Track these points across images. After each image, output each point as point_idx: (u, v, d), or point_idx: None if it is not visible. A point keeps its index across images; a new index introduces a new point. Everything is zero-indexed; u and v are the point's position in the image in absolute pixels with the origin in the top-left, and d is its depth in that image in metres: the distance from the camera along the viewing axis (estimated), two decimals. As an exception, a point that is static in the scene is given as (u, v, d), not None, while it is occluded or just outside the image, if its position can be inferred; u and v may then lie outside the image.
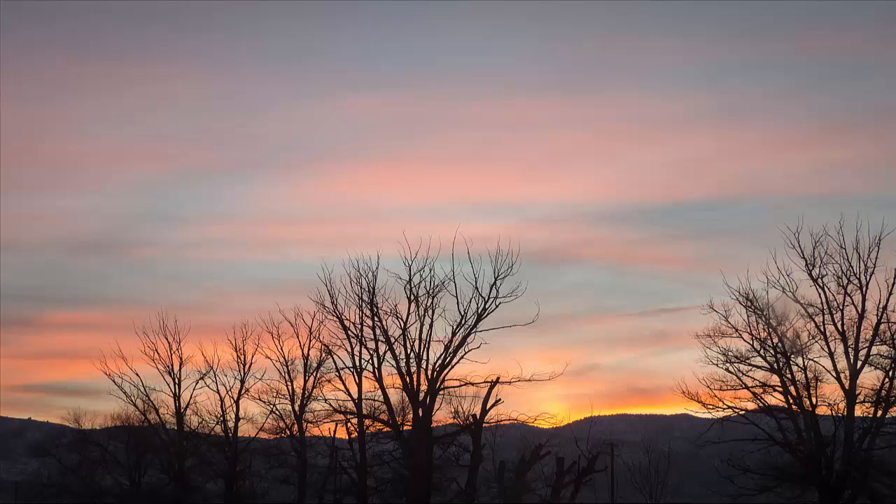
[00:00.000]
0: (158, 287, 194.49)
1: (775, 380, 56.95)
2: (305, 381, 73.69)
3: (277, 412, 74.83)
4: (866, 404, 55.20)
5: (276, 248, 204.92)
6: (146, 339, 76.99)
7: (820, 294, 55.66)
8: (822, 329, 55.53)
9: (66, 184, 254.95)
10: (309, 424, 73.44)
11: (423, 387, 61.04)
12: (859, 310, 55.06)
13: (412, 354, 61.02)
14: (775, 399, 57.24)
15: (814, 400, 55.99)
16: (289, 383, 73.81)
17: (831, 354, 55.34)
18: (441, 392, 61.55)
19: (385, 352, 61.96)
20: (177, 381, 77.70)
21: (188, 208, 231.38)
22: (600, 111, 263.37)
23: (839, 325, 55.29)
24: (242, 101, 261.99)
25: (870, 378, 55.65)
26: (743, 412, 58.18)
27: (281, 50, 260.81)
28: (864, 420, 55.41)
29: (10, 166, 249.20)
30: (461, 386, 61.57)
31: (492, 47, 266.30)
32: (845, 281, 55.31)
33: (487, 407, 61.19)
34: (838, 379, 55.22)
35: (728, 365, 57.47)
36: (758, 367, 57.31)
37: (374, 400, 65.77)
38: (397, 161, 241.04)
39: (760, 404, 57.67)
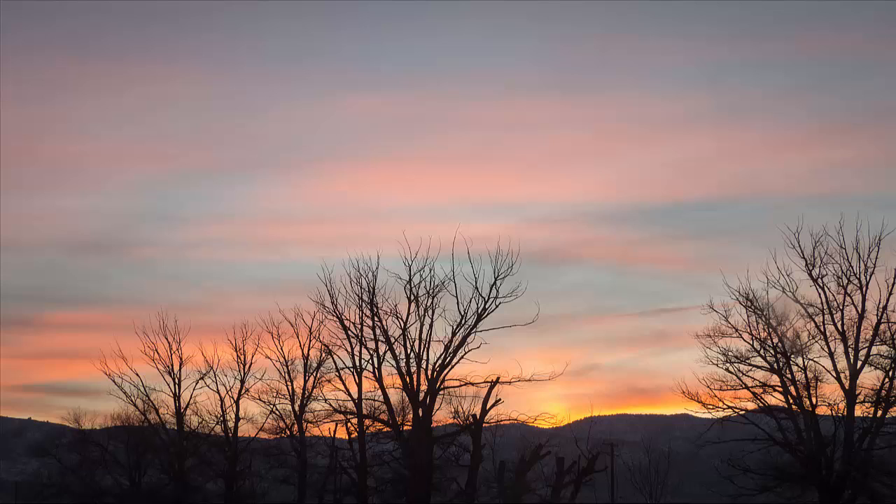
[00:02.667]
0: (158, 287, 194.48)
1: (775, 380, 56.95)
2: (305, 381, 73.74)
3: (277, 412, 74.92)
4: (866, 404, 55.20)
5: (276, 248, 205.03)
6: (146, 339, 77.10)
7: (820, 294, 55.74)
8: (822, 329, 55.54)
9: (66, 184, 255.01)
10: (309, 424, 73.51)
11: (423, 387, 61.04)
12: (859, 310, 55.09)
13: (412, 354, 61.05)
14: (775, 399, 57.27)
15: (814, 400, 56.01)
16: (289, 383, 73.89)
17: (831, 354, 55.35)
18: (441, 392, 61.57)
19: (385, 352, 62.04)
20: (177, 381, 77.71)
21: (188, 208, 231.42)
22: (600, 111, 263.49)
23: (839, 325, 55.30)
24: (242, 101, 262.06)
25: (870, 378, 55.77)
26: (743, 412, 58.17)
27: (281, 50, 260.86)
28: (864, 420, 55.38)
29: (10, 166, 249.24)
30: (461, 386, 61.64)
31: (492, 47, 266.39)
32: (845, 281, 55.33)
33: (487, 407, 61.21)
34: (838, 379, 55.26)
35: (728, 365, 57.53)
36: (758, 367, 57.36)
37: (374, 400, 65.83)
38: (397, 161, 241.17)
39: (760, 404, 57.67)
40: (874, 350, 54.93)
